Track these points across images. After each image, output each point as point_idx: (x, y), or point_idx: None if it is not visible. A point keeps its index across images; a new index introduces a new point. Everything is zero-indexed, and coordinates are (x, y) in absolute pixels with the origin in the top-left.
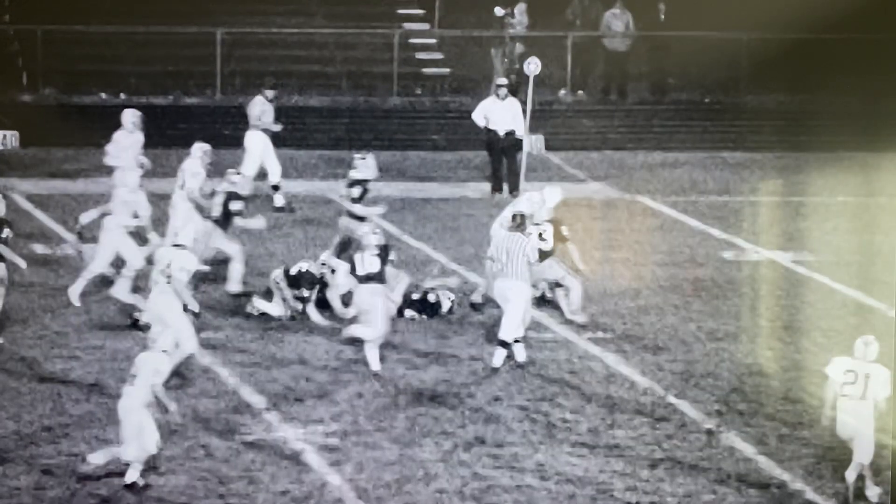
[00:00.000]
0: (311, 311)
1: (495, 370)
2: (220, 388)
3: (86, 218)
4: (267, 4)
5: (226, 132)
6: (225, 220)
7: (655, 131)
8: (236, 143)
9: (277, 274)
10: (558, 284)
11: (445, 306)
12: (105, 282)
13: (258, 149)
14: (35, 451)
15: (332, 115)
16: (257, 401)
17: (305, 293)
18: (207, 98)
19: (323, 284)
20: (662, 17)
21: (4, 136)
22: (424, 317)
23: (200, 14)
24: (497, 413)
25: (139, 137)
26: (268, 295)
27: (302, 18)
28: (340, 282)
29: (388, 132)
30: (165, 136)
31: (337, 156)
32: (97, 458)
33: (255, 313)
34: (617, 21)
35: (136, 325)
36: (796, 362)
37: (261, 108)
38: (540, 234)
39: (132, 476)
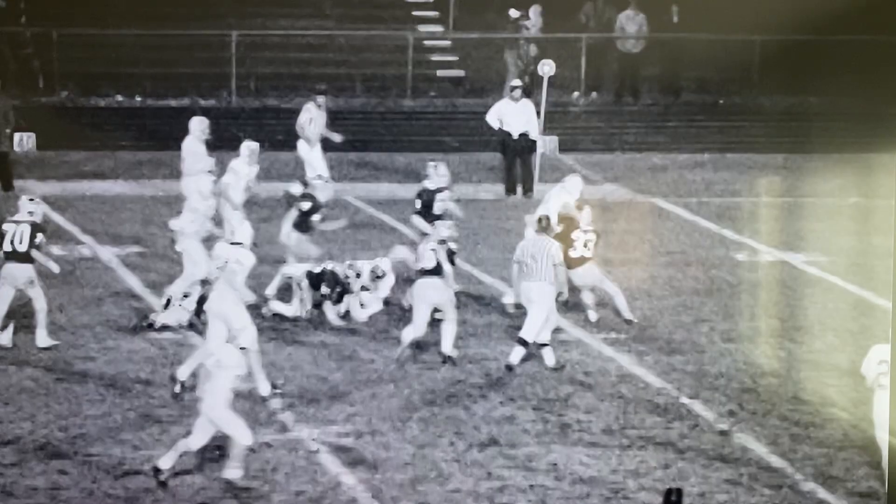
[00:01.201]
0: (328, 310)
1: (510, 368)
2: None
3: (176, 224)
4: (282, 7)
5: (241, 134)
6: (303, 224)
7: (668, 133)
8: None
9: (300, 274)
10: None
11: None
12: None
13: (311, 155)
14: (51, 451)
15: (346, 117)
16: (272, 401)
17: (326, 292)
18: (223, 100)
19: (344, 286)
20: (676, 19)
21: (21, 139)
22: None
23: (215, 17)
24: (511, 413)
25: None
26: (286, 295)
27: (316, 21)
28: (363, 282)
29: (402, 134)
30: (181, 139)
31: (351, 158)
32: (166, 462)
33: (269, 314)
34: (630, 23)
35: (151, 327)
36: (809, 363)
37: (308, 116)
38: (585, 244)
39: (166, 463)
